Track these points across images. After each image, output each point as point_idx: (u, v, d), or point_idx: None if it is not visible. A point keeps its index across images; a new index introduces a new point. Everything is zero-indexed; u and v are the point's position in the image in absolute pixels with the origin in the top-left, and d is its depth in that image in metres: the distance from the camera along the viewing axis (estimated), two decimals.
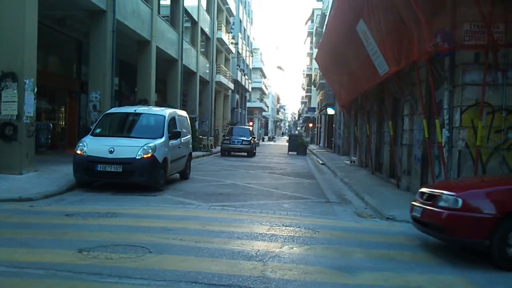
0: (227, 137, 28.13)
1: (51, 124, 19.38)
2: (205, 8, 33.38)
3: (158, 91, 25.11)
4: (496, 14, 8.49)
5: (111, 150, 10.56)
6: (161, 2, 23.97)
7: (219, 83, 37.93)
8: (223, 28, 38.32)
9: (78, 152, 10.78)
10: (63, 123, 21.26)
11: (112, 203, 9.17)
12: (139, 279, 4.68)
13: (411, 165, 12.40)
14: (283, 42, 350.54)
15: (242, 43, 51.44)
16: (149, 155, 10.68)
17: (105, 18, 16.05)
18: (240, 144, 27.00)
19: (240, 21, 50.10)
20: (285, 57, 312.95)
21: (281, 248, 6.17)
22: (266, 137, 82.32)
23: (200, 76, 31.59)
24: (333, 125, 36.49)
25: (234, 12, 44.71)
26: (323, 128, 48.59)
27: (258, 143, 40.53)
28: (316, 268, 5.38)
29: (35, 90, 12.01)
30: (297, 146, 32.70)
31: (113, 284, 4.55)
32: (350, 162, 22.54)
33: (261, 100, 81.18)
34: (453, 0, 9.19)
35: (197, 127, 28.42)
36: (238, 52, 47.92)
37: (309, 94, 72.88)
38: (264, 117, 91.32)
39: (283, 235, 6.93)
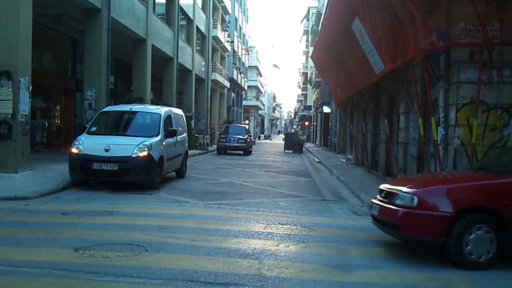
0: (223, 136, 28.13)
1: (46, 123, 19.31)
2: (200, 6, 33.32)
3: (154, 89, 25.06)
4: (490, 13, 8.53)
5: (107, 149, 10.55)
6: (156, 0, 23.90)
7: (215, 81, 37.88)
8: (219, 26, 38.24)
9: (74, 150, 10.75)
10: (59, 122, 21.19)
11: (108, 202, 9.16)
12: (135, 278, 4.67)
13: (407, 163, 12.44)
14: (279, 41, 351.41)
15: (238, 41, 51.40)
16: (145, 153, 10.66)
17: (100, 16, 15.99)
18: (236, 143, 26.98)
19: (236, 19, 50.04)
20: (281, 55, 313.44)
21: (277, 246, 6.18)
22: (262, 136, 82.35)
23: (195, 74, 31.55)
24: (329, 123, 36.54)
25: (230, 10, 44.63)
26: (319, 126, 48.69)
27: (254, 141, 40.50)
28: (312, 266, 5.39)
29: (30, 88, 11.96)
30: (293, 144, 32.69)
31: (109, 283, 4.54)
32: (346, 160, 22.58)
33: (257, 98, 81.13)
34: None
35: (193, 125, 28.40)
36: (233, 50, 47.88)
37: (305, 92, 72.98)
38: (260, 115, 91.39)
39: (279, 233, 6.93)
